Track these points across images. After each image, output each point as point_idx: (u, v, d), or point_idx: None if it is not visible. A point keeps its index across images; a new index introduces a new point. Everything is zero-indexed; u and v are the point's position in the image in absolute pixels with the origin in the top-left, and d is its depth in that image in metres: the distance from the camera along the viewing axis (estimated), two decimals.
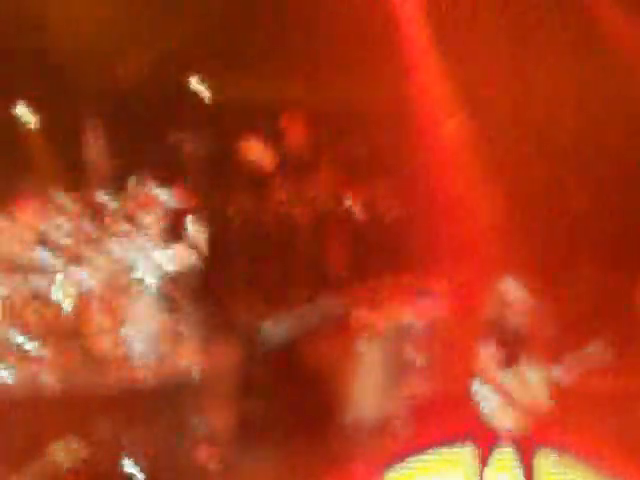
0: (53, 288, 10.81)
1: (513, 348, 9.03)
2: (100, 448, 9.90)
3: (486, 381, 9.02)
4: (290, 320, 12.35)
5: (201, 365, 10.71)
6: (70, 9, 12.51)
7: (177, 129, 11.78)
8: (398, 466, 10.88)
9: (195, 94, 13.97)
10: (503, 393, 8.96)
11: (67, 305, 10.77)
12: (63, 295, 10.77)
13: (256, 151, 12.67)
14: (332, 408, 11.79)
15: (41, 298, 10.83)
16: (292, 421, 11.63)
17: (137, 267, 10.97)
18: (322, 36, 12.68)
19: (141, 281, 10.98)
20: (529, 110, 13.20)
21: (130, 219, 11.19)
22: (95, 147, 11.30)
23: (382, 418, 11.99)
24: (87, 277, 10.87)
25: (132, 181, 11.27)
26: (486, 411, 9.02)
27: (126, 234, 11.10)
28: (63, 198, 11.31)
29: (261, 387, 11.94)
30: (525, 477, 9.23)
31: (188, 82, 13.94)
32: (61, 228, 11.11)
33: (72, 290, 10.80)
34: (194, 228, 11.06)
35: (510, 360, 9.03)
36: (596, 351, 8.89)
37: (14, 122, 13.41)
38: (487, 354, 9.04)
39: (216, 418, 10.65)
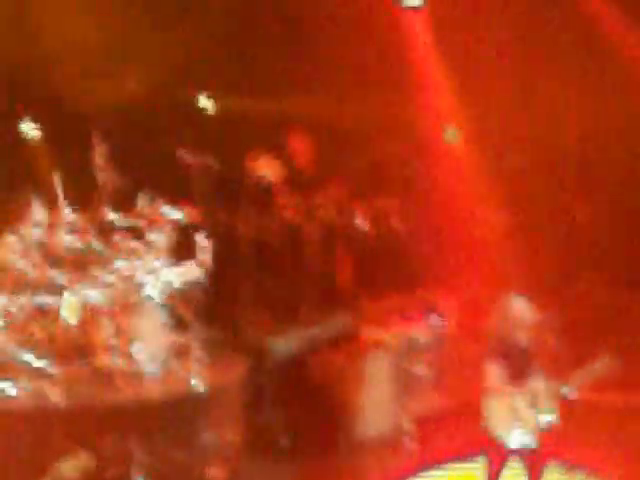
0: (61, 305, 10.83)
1: (521, 363, 9.02)
2: (109, 464, 9.89)
3: (494, 396, 9.01)
4: (299, 335, 12.35)
5: (210, 380, 10.70)
6: (77, 26, 12.58)
7: (185, 146, 11.79)
8: None
9: (203, 110, 14.04)
10: (511, 408, 8.95)
11: (75, 322, 10.78)
12: (71, 312, 10.78)
13: (264, 167, 12.68)
14: (342, 423, 11.79)
15: (49, 315, 10.86)
16: (301, 436, 11.63)
17: (145, 284, 10.99)
18: (328, 52, 12.74)
19: (150, 298, 11.00)
20: (533, 125, 13.25)
21: (139, 236, 11.22)
22: (103, 165, 11.32)
23: (392, 434, 12.00)
24: (95, 294, 10.89)
25: (141, 199, 11.29)
26: (495, 426, 9.01)
27: (134, 251, 11.12)
28: (71, 216, 11.32)
29: (270, 402, 11.95)
30: None
31: (196, 99, 14.01)
32: (69, 245, 11.12)
33: (80, 307, 10.82)
34: (202, 245, 11.06)
35: (518, 375, 9.01)
36: (604, 366, 8.88)
37: (22, 139, 13.49)
38: (495, 369, 9.04)
39: (225, 433, 10.63)
